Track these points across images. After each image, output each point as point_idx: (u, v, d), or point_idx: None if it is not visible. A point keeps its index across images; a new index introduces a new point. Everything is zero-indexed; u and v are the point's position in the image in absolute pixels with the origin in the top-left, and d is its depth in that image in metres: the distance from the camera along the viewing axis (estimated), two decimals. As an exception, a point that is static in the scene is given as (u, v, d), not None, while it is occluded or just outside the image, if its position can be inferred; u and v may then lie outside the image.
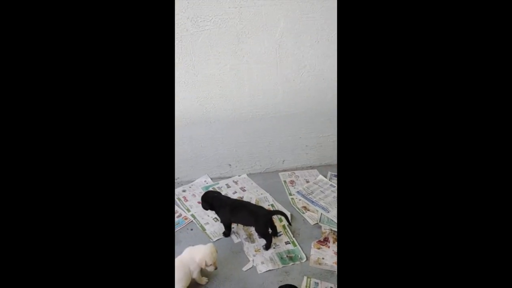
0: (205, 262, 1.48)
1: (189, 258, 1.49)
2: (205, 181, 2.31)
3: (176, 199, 2.13)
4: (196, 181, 2.31)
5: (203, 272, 1.56)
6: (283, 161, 2.38)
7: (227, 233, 1.82)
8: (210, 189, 2.10)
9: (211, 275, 1.59)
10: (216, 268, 1.53)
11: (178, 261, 1.49)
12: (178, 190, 2.21)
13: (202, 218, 1.97)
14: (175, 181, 2.30)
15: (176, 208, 2.05)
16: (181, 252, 1.53)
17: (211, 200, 1.80)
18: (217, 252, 1.55)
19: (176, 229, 1.89)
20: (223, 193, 1.93)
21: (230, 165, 2.34)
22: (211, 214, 1.99)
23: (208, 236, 1.84)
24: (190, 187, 2.25)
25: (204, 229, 1.89)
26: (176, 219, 1.96)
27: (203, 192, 2.16)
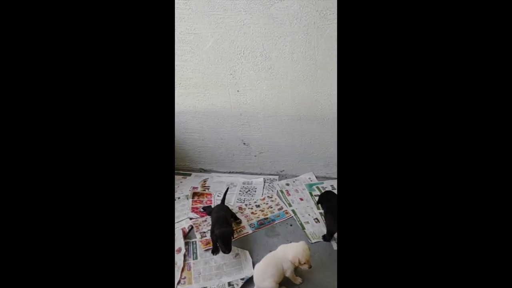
0: (298, 259, 1.45)
1: (282, 255, 1.49)
2: (309, 178, 2.26)
3: (278, 191, 2.15)
4: (301, 176, 2.28)
5: (297, 272, 1.54)
6: (400, 172, 2.12)
7: (328, 238, 1.74)
8: (316, 187, 2.05)
9: (306, 277, 1.55)
10: (310, 267, 1.48)
11: (271, 256, 1.50)
12: (281, 183, 2.23)
13: (303, 216, 1.94)
14: (280, 173, 2.32)
15: (278, 200, 2.08)
16: (277, 246, 1.54)
17: (322, 198, 1.77)
18: (310, 250, 1.50)
19: (276, 221, 1.91)
20: (327, 195, 1.84)
21: (338, 166, 2.22)
22: (313, 214, 1.94)
23: (307, 236, 1.80)
24: (293, 182, 2.23)
25: (303, 228, 1.86)
26: (277, 211, 1.98)
27: (306, 189, 2.14)
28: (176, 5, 1.81)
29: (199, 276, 1.58)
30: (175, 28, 1.88)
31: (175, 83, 2.08)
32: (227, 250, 1.58)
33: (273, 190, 2.18)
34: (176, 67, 2.01)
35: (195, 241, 1.78)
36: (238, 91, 2.03)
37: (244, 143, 2.25)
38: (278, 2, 1.73)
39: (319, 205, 1.82)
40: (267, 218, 1.94)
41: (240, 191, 2.19)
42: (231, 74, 1.98)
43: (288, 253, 1.48)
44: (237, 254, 1.69)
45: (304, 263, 1.46)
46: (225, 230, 1.63)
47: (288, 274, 1.49)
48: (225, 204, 1.94)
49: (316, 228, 1.84)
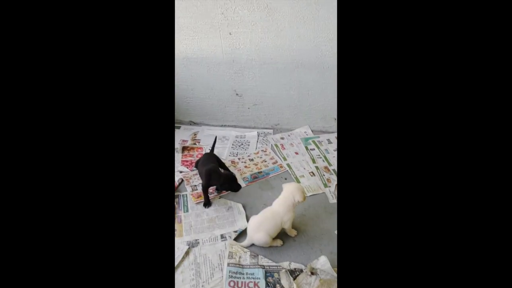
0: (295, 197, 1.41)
1: (280, 210, 1.42)
2: (305, 132, 2.16)
3: (273, 145, 2.05)
4: (296, 130, 2.17)
5: (292, 225, 1.48)
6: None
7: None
8: (312, 141, 1.95)
9: (301, 230, 1.51)
10: (304, 200, 1.44)
11: (269, 211, 1.44)
12: (276, 137, 2.13)
13: (298, 170, 1.86)
14: (275, 126, 2.21)
15: (272, 154, 1.98)
16: (272, 199, 1.47)
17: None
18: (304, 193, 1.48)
19: (270, 175, 1.83)
20: (322, 148, 1.76)
21: (335, 119, 2.11)
22: (308, 167, 1.86)
23: (302, 189, 1.74)
24: (289, 136, 2.13)
25: (298, 181, 1.79)
26: (271, 165, 1.90)
27: (301, 143, 2.05)
28: None
29: (190, 229, 1.52)
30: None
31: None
32: (238, 188, 1.63)
33: (267, 144, 2.08)
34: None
35: (186, 194, 1.70)
36: (230, 33, 1.84)
37: (237, 94, 2.10)
38: None
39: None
40: (261, 172, 1.85)
41: (232, 145, 2.08)
42: (222, 13, 1.77)
43: (288, 191, 1.43)
44: (229, 207, 1.62)
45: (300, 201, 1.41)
46: (227, 173, 1.67)
47: (286, 226, 1.44)
48: (214, 153, 1.84)
49: (312, 181, 1.77)
